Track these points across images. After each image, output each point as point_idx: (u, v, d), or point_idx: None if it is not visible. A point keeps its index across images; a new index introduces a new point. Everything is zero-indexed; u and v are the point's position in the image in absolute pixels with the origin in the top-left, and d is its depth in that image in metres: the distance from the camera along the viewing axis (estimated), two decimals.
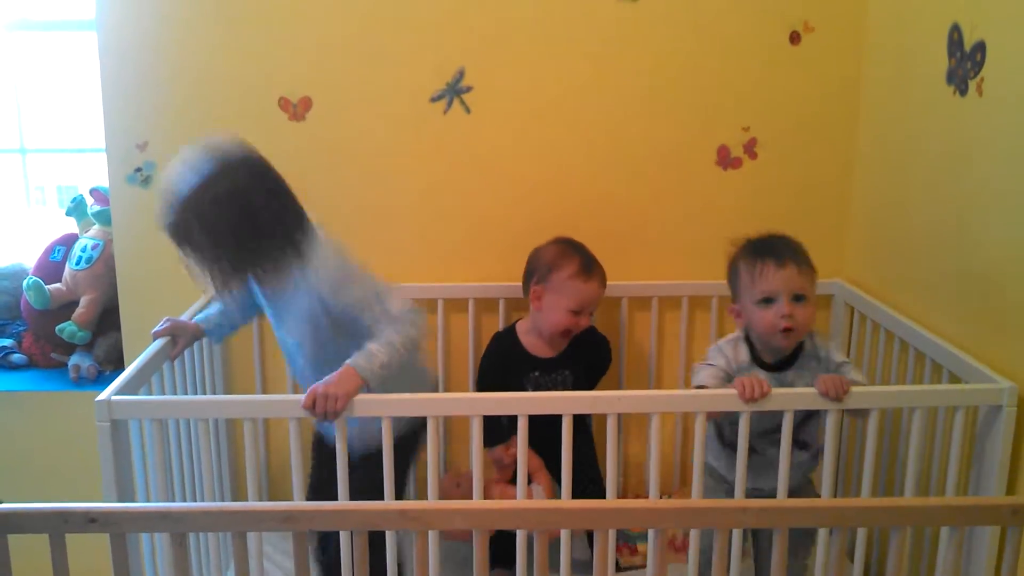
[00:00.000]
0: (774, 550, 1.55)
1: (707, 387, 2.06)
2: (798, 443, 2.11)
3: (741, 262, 2.11)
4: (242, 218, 1.94)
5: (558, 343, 2.50)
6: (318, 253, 2.05)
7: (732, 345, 2.13)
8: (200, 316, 2.30)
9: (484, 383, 2.56)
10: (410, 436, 2.17)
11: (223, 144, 1.99)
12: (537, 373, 2.50)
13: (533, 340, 2.52)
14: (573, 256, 2.45)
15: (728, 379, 2.09)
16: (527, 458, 2.41)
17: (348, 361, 1.95)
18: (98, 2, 2.54)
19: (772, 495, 2.00)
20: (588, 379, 2.57)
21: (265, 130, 2.60)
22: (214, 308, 2.32)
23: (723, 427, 2.16)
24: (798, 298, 2.03)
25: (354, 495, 1.92)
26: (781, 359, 2.09)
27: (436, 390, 2.39)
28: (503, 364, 2.52)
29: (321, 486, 2.21)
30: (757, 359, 2.10)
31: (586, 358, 2.56)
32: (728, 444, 2.13)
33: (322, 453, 2.24)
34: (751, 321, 2.08)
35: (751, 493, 2.09)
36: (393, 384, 1.99)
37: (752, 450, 2.07)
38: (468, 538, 1.60)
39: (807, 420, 2.12)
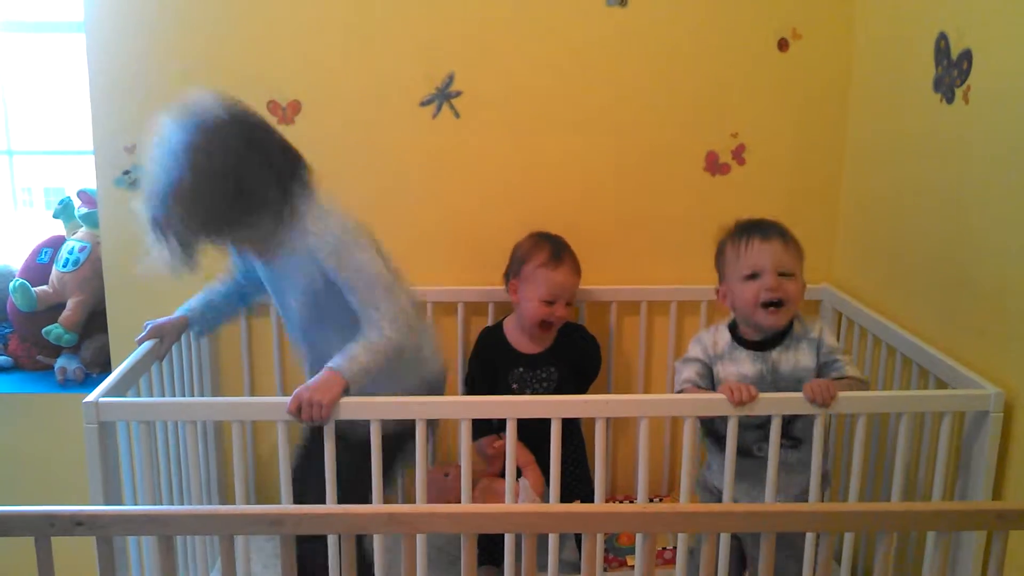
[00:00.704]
0: (761, 554, 1.56)
1: (688, 384, 2.06)
2: (793, 439, 2.10)
3: (728, 242, 2.13)
4: (230, 186, 1.87)
5: (541, 337, 2.52)
6: (316, 213, 1.98)
7: (712, 332, 2.13)
8: (184, 307, 2.27)
9: (471, 378, 2.58)
10: (404, 433, 2.09)
11: (196, 106, 1.90)
12: (522, 369, 2.52)
13: (519, 336, 2.54)
14: (543, 246, 2.48)
15: (707, 369, 2.10)
16: (518, 451, 2.42)
17: (330, 364, 1.93)
18: (87, 4, 2.53)
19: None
20: (578, 381, 2.58)
21: None
22: (199, 299, 2.28)
23: (717, 423, 2.11)
24: (784, 275, 2.03)
25: (345, 473, 1.91)
26: (766, 338, 2.08)
27: (441, 383, 2.28)
28: (489, 359, 2.54)
29: (311, 455, 2.05)
30: (740, 340, 2.10)
31: (573, 357, 2.57)
32: (716, 437, 2.12)
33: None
34: (735, 299, 2.08)
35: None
36: (395, 375, 1.99)
37: (748, 454, 2.07)
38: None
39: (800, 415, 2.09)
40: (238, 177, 1.88)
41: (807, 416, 2.04)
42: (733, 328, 2.13)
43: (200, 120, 1.88)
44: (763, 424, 2.04)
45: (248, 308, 2.35)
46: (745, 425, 2.05)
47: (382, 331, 1.96)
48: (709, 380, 2.11)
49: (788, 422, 2.05)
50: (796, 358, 2.07)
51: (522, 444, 2.34)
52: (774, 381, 2.05)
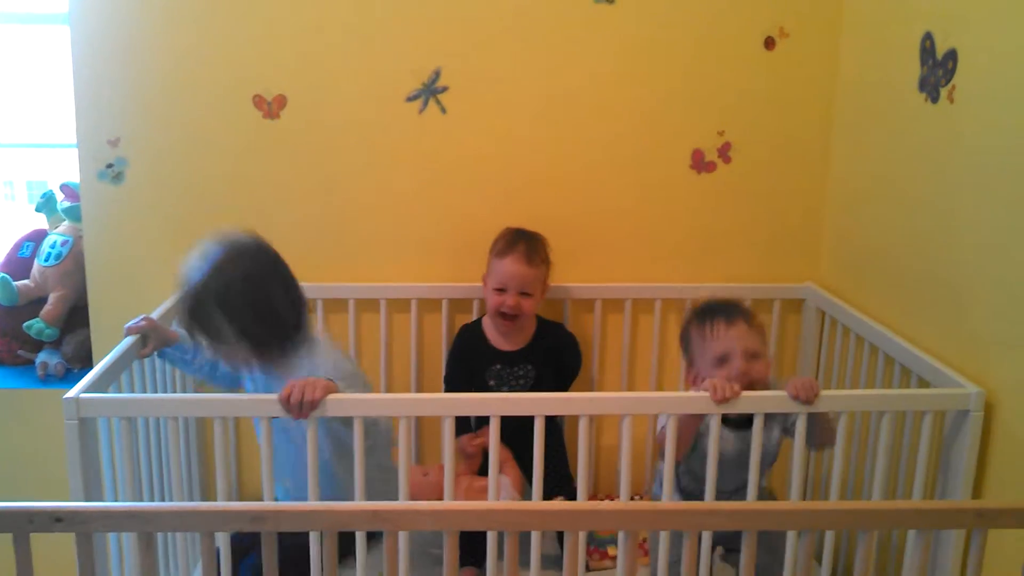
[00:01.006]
0: (743, 552, 1.56)
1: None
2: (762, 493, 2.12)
3: (692, 327, 2.13)
4: (257, 301, 2.04)
5: (507, 331, 2.53)
6: (321, 348, 2.13)
7: None
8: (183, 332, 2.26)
9: (449, 374, 2.59)
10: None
11: (235, 235, 2.10)
12: (499, 366, 2.53)
13: (496, 334, 2.56)
14: (501, 238, 2.52)
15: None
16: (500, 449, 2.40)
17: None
18: None
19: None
20: (557, 379, 2.59)
21: (239, 128, 2.59)
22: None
23: (681, 478, 2.14)
24: (754, 356, 2.04)
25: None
26: (744, 417, 2.06)
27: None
28: (466, 356, 2.56)
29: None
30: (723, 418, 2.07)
31: (551, 355, 2.57)
32: (687, 496, 2.13)
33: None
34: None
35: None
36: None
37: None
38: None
39: (766, 472, 2.12)
40: (265, 292, 2.06)
41: (769, 472, 2.05)
42: None
43: (236, 242, 2.09)
44: (732, 491, 2.07)
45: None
46: (721, 491, 2.05)
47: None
48: None
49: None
50: (771, 431, 2.08)
51: (500, 442, 2.34)
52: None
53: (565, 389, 2.61)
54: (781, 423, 2.10)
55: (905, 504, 1.69)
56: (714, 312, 2.10)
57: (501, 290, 2.46)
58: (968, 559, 1.57)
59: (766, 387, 2.07)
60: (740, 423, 2.07)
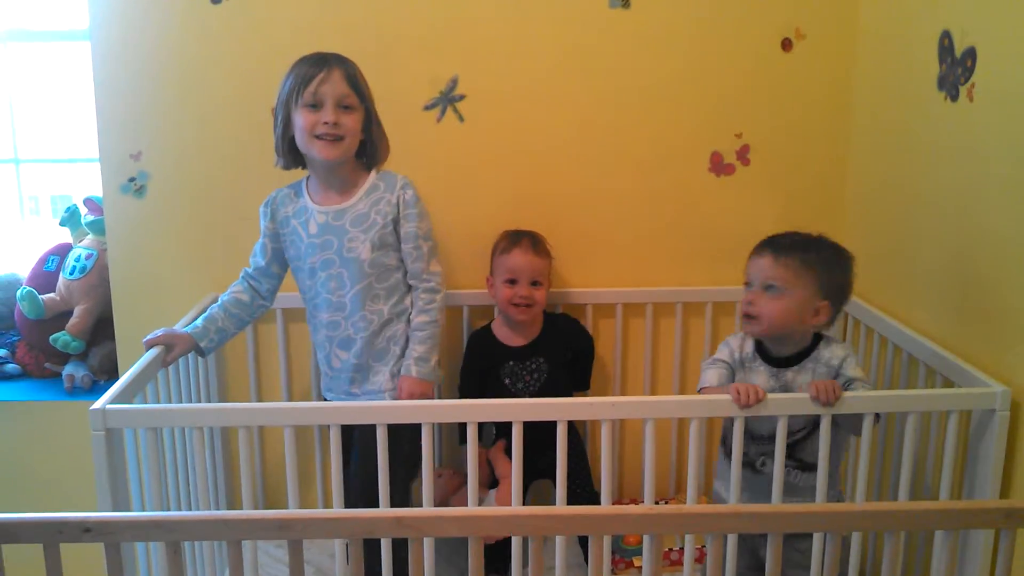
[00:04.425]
0: (768, 554, 1.56)
1: (709, 387, 2.07)
2: (805, 465, 2.09)
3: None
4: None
5: (522, 325, 2.55)
6: (401, 183, 2.26)
7: (740, 337, 2.15)
8: (189, 327, 2.26)
9: (462, 383, 2.62)
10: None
11: None
12: (512, 362, 2.55)
13: (506, 332, 2.58)
14: (502, 238, 2.57)
15: (731, 373, 2.11)
16: (500, 463, 2.41)
17: (407, 373, 2.17)
18: (92, 12, 2.54)
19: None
20: (573, 370, 2.61)
21: (258, 140, 2.60)
22: (202, 317, 2.28)
23: (726, 435, 2.14)
24: (769, 288, 2.03)
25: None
26: (785, 356, 2.08)
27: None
28: (477, 360, 2.59)
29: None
30: (763, 353, 2.11)
31: (560, 344, 2.58)
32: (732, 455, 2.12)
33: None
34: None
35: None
36: None
37: (751, 466, 2.07)
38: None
39: (808, 437, 2.08)
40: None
41: (814, 441, 2.02)
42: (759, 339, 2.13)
43: None
44: (768, 437, 2.04)
45: (254, 317, 2.36)
46: (750, 436, 2.05)
47: (434, 297, 2.24)
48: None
49: (794, 444, 2.06)
50: (805, 376, 2.06)
51: (504, 456, 2.36)
52: None
53: (586, 377, 2.65)
54: (813, 370, 2.08)
55: (932, 505, 1.67)
56: (763, 241, 2.11)
57: (512, 281, 2.49)
58: (997, 559, 1.56)
59: (775, 323, 2.04)
60: (778, 361, 2.08)
